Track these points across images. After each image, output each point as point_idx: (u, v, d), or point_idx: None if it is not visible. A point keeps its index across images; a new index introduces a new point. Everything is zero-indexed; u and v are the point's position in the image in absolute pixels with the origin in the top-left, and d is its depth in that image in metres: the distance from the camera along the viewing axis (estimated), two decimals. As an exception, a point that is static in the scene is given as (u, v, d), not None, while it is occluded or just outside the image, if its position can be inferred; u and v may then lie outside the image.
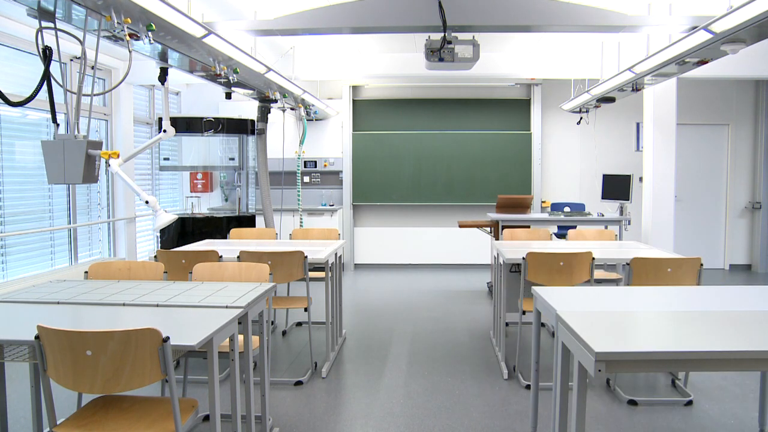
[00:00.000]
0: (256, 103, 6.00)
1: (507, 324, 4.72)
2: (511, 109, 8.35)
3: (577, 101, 6.45)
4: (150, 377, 1.91)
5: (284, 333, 5.01)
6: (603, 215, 6.43)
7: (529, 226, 6.03)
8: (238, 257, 3.72)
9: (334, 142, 8.33)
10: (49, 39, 2.58)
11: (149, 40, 2.97)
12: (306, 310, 3.92)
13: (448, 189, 8.26)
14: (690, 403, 3.44)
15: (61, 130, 2.68)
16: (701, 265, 3.51)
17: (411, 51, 6.44)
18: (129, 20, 2.75)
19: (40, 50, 2.54)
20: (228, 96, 4.83)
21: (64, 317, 2.33)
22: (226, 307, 2.37)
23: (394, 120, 8.37)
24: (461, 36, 3.69)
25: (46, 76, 2.56)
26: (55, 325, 1.88)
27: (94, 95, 2.76)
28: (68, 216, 5.55)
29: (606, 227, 6.24)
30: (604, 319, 2.19)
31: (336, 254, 4.35)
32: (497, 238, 6.07)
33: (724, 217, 8.15)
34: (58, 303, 2.50)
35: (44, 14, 2.54)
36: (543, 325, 4.86)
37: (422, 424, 3.16)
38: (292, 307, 4.11)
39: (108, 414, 2.15)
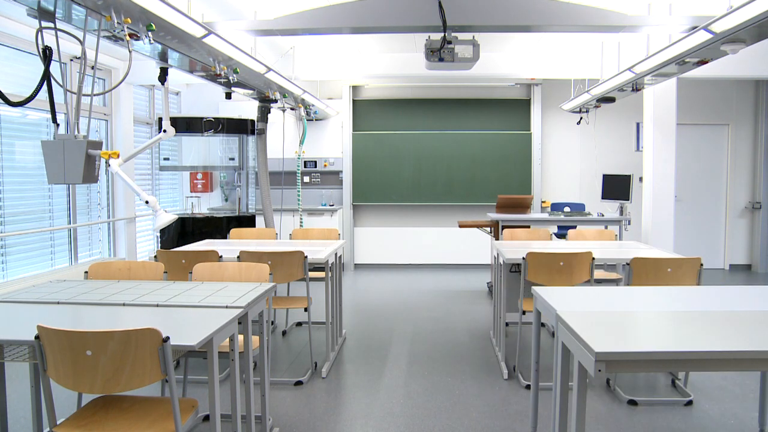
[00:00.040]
0: (256, 103, 6.00)
1: (507, 324, 4.72)
2: (511, 109, 8.35)
3: (577, 101, 6.45)
4: (150, 377, 1.91)
5: (284, 333, 5.01)
6: (603, 215, 6.43)
7: (529, 226, 6.03)
8: (238, 257, 3.72)
9: (334, 142, 8.33)
10: (49, 39, 2.58)
11: (149, 40, 2.97)
12: (306, 310, 3.92)
13: (448, 189, 8.26)
14: (690, 403, 3.44)
15: (61, 130, 2.68)
16: (701, 265, 3.51)
17: (411, 51, 6.44)
18: (129, 20, 2.75)
19: (40, 50, 2.54)
20: (228, 96, 4.83)
21: (64, 317, 2.33)
22: (226, 307, 2.37)
23: (394, 120, 8.37)
24: (461, 36, 3.69)
25: (46, 76, 2.56)
26: (55, 325, 1.88)
27: (94, 95, 2.76)
28: (68, 216, 5.55)
29: (606, 227, 6.24)
30: (604, 319, 2.19)
31: (336, 254, 4.35)
32: (497, 238, 6.07)
33: (724, 217, 8.15)
34: (58, 303, 2.50)
35: (44, 14, 2.54)
36: (543, 325, 4.86)
37: (422, 424, 3.16)
38: (292, 307, 4.11)
39: (108, 414, 2.15)
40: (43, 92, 2.60)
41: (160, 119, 7.13)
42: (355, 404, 3.46)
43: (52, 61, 2.59)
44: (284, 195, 8.01)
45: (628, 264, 3.55)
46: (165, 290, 2.70)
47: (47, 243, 5.31)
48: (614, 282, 4.89)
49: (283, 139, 7.66)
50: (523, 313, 3.85)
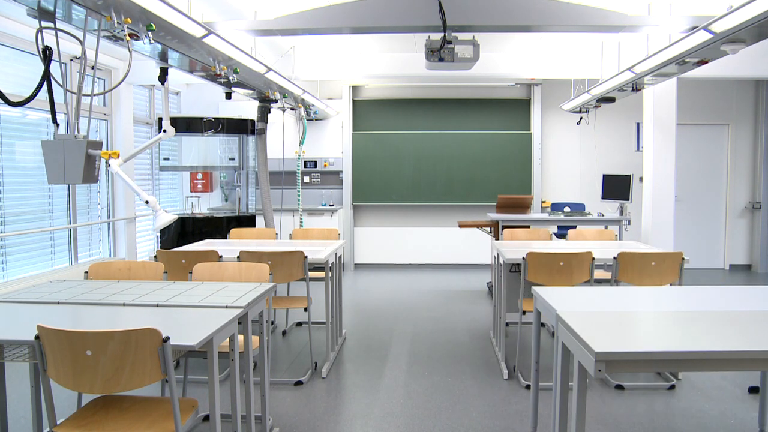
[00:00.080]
0: (256, 103, 6.00)
1: (507, 324, 4.72)
2: (511, 109, 8.35)
3: (577, 101, 6.45)
4: (150, 377, 1.91)
5: (284, 333, 5.01)
6: (603, 215, 6.43)
7: (529, 226, 6.03)
8: (238, 257, 3.72)
9: (334, 142, 8.33)
10: (49, 39, 2.58)
11: (149, 40, 2.97)
12: (306, 310, 3.92)
13: (448, 189, 8.26)
14: (672, 387, 3.63)
15: (61, 130, 2.68)
16: (683, 259, 3.70)
17: (411, 51, 6.44)
18: (129, 20, 2.75)
19: (40, 50, 2.54)
20: (228, 96, 4.83)
21: (64, 317, 2.33)
22: (226, 307, 2.37)
23: (394, 120, 8.37)
24: (461, 36, 3.69)
25: (46, 76, 2.56)
26: (55, 325, 1.88)
27: (94, 95, 2.76)
28: (68, 216, 5.55)
29: (606, 227, 6.24)
30: (604, 319, 2.19)
31: (336, 254, 4.35)
32: (497, 238, 6.07)
33: (724, 217, 8.15)
34: (58, 303, 2.50)
35: (44, 14, 2.54)
36: (543, 325, 4.86)
37: (422, 424, 3.16)
38: (292, 307, 4.11)
39: (108, 414, 2.15)
40: (43, 92, 2.60)
41: (160, 119, 7.13)
42: (355, 404, 3.46)
43: (52, 61, 2.59)
44: (284, 195, 8.01)
45: (615, 258, 3.66)
46: (165, 290, 2.70)
47: (47, 243, 5.31)
48: (615, 282, 4.89)
49: (283, 139, 7.66)
50: (523, 313, 3.85)
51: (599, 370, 1.79)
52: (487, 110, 8.34)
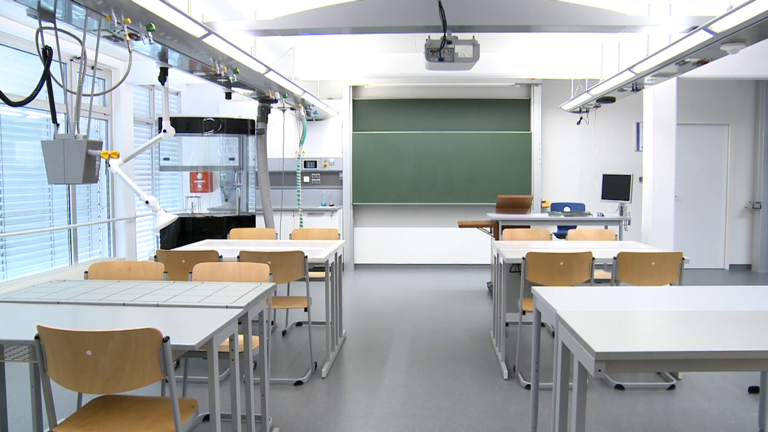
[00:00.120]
0: (256, 103, 6.00)
1: (507, 324, 4.72)
2: (511, 109, 8.35)
3: (577, 101, 6.45)
4: (150, 377, 1.91)
5: (284, 333, 5.01)
6: (603, 215, 6.43)
7: (529, 226, 6.03)
8: (238, 257, 3.72)
9: (334, 142, 8.33)
10: (49, 39, 2.58)
11: (149, 40, 2.97)
12: (306, 310, 3.92)
13: (448, 189, 8.26)
14: (672, 387, 3.63)
15: (61, 130, 2.68)
16: (683, 259, 3.70)
17: (411, 51, 6.44)
18: (129, 20, 2.75)
19: (40, 50, 2.54)
20: (228, 96, 4.83)
21: (64, 317, 2.33)
22: (226, 307, 2.37)
23: (394, 120, 8.37)
24: (461, 36, 3.69)
25: (46, 76, 2.56)
26: (55, 325, 1.88)
27: (94, 95, 2.76)
28: (68, 216, 5.55)
29: (606, 227, 6.25)
30: (604, 319, 2.19)
31: (336, 254, 4.35)
32: (497, 238, 6.07)
33: (724, 217, 8.15)
34: (58, 303, 2.50)
35: (44, 14, 2.54)
36: (543, 325, 4.86)
37: (422, 424, 3.16)
38: (292, 307, 4.11)
39: (108, 414, 2.15)
40: (43, 92, 2.60)
41: (160, 119, 7.13)
42: (355, 404, 3.46)
43: (52, 61, 2.59)
44: (284, 195, 8.01)
45: (615, 258, 3.66)
46: (165, 290, 2.70)
47: (47, 243, 5.31)
48: (615, 282, 4.89)
49: (283, 139, 7.66)
50: (523, 313, 3.85)
51: (599, 370, 1.79)
52: (487, 110, 8.34)
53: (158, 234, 7.03)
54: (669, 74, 4.52)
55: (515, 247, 4.25)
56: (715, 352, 1.84)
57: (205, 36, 3.38)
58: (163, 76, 3.65)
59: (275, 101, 5.72)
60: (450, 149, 8.22)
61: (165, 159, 7.07)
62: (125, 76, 2.96)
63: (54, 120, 2.66)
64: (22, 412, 3.26)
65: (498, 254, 4.20)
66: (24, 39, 4.81)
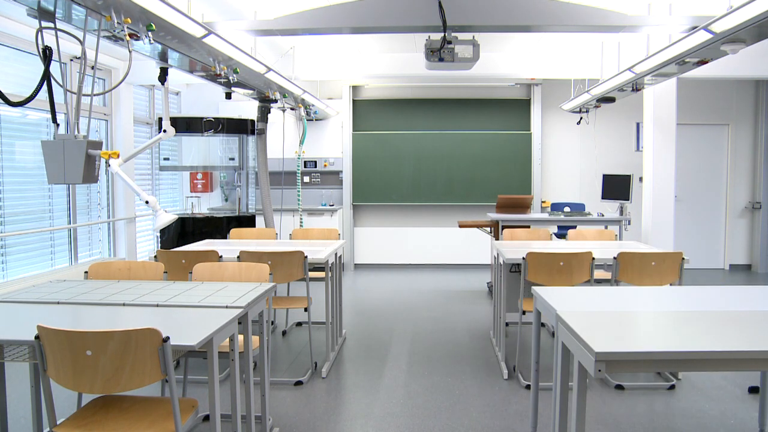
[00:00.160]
0: (256, 103, 6.00)
1: (507, 324, 4.72)
2: (511, 109, 8.35)
3: (577, 101, 6.45)
4: (150, 377, 1.91)
5: (284, 333, 5.01)
6: (603, 215, 6.43)
7: (529, 226, 6.03)
8: (238, 257, 3.72)
9: (334, 142, 8.33)
10: (49, 39, 2.58)
11: (149, 40, 2.97)
12: (306, 310, 3.92)
13: (448, 189, 8.26)
14: (672, 387, 3.63)
15: (61, 130, 2.68)
16: (683, 259, 3.70)
17: (411, 51, 6.44)
18: (129, 20, 2.75)
19: (40, 50, 2.54)
20: (228, 96, 4.83)
21: (64, 317, 2.33)
22: (226, 307, 2.37)
23: (394, 120, 8.37)
24: (461, 36, 3.69)
25: (46, 76, 2.56)
26: (55, 325, 1.88)
27: (94, 95, 2.76)
28: (68, 216, 5.55)
29: (606, 227, 6.24)
30: (604, 319, 2.19)
31: (336, 254, 4.35)
32: (497, 238, 6.07)
33: (724, 217, 8.15)
34: (58, 303, 2.50)
35: (44, 14, 2.54)
36: (543, 325, 4.86)
37: (422, 424, 3.16)
38: (292, 307, 4.11)
39: (108, 414, 2.15)
40: (43, 92, 2.60)
41: (160, 119, 7.13)
42: (355, 404, 3.46)
43: (52, 61, 2.59)
44: (284, 195, 8.01)
45: (615, 258, 3.66)
46: (165, 290, 2.70)
47: (47, 243, 5.31)
48: (615, 282, 4.89)
49: (283, 139, 7.66)
50: (523, 313, 3.85)
51: (599, 370, 1.79)
52: (487, 110, 8.34)
53: (158, 234, 7.03)
54: (669, 74, 4.52)
55: (515, 247, 4.25)
56: (715, 352, 1.84)
57: (205, 36, 3.38)
58: (163, 76, 3.65)
59: (275, 101, 5.72)
60: (450, 149, 8.22)
61: (165, 159, 7.07)
62: (125, 76, 2.96)
63: (54, 120, 2.66)
64: (22, 412, 3.26)
65: (498, 254, 4.20)
66: (24, 39, 4.81)
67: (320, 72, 6.58)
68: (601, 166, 8.15)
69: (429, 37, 3.73)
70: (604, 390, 3.61)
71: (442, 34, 3.57)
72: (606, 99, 5.87)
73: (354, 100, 8.37)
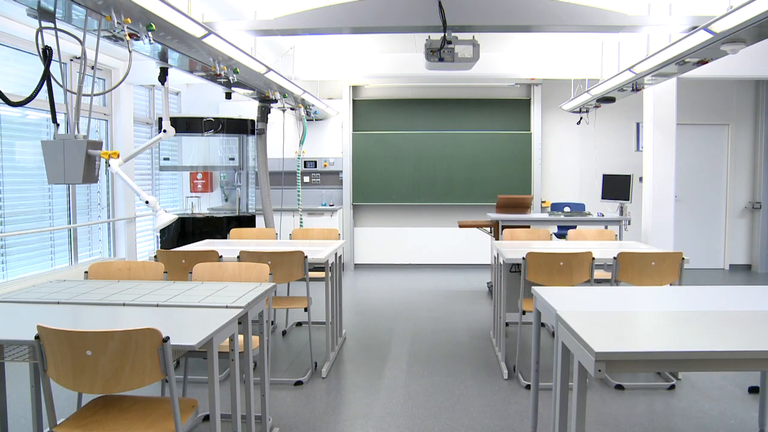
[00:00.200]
0: (256, 103, 6.00)
1: (507, 324, 4.72)
2: (511, 109, 8.35)
3: (577, 101, 6.45)
4: (150, 377, 1.91)
5: (284, 333, 5.01)
6: (603, 215, 6.43)
7: (529, 226, 6.03)
8: (238, 257, 3.72)
9: (334, 142, 8.33)
10: (49, 39, 2.58)
11: (149, 40, 2.97)
12: (306, 310, 3.92)
13: (448, 189, 8.26)
14: (672, 387, 3.63)
15: (61, 130, 2.68)
16: (683, 259, 3.71)
17: (411, 51, 6.44)
18: (129, 20, 2.75)
19: (40, 50, 2.54)
20: (228, 96, 4.83)
21: (64, 317, 2.33)
22: (226, 307, 2.37)
23: (394, 120, 8.37)
24: (461, 36, 3.69)
25: (46, 76, 2.56)
26: (55, 325, 1.88)
27: (94, 95, 2.76)
28: (68, 216, 5.55)
29: (606, 227, 6.24)
30: (604, 319, 2.19)
31: (336, 254, 4.35)
32: (497, 238, 6.07)
33: (724, 217, 8.15)
34: (58, 303, 2.50)
35: (44, 14, 2.54)
36: (543, 325, 4.86)
37: (422, 424, 3.16)
38: (292, 307, 4.11)
39: (108, 414, 2.15)
40: (43, 92, 2.60)
41: (160, 119, 7.13)
42: (355, 404, 3.46)
43: (52, 61, 2.59)
44: (284, 195, 8.01)
45: (615, 258, 3.66)
46: (165, 290, 2.70)
47: (47, 243, 5.31)
48: (615, 282, 4.89)
49: (283, 139, 7.66)
50: (523, 313, 3.85)
51: (599, 370, 1.79)
52: (487, 110, 8.34)
53: (158, 234, 7.03)
54: (669, 74, 4.52)
55: (515, 247, 4.25)
56: (715, 352, 1.84)
57: (205, 36, 3.38)
58: (163, 76, 3.65)
59: (275, 101, 5.72)
60: (450, 149, 8.22)
61: (165, 159, 7.07)
62: (125, 76, 2.96)
63: (54, 120, 2.66)
64: (22, 412, 3.26)
65: (498, 254, 4.20)
66: (24, 39, 4.81)
67: (320, 72, 6.58)
68: (601, 166, 8.15)
69: (429, 37, 3.73)
70: (604, 390, 3.61)
71: (442, 34, 3.57)
72: (606, 99, 5.87)
73: (354, 100, 8.37)
